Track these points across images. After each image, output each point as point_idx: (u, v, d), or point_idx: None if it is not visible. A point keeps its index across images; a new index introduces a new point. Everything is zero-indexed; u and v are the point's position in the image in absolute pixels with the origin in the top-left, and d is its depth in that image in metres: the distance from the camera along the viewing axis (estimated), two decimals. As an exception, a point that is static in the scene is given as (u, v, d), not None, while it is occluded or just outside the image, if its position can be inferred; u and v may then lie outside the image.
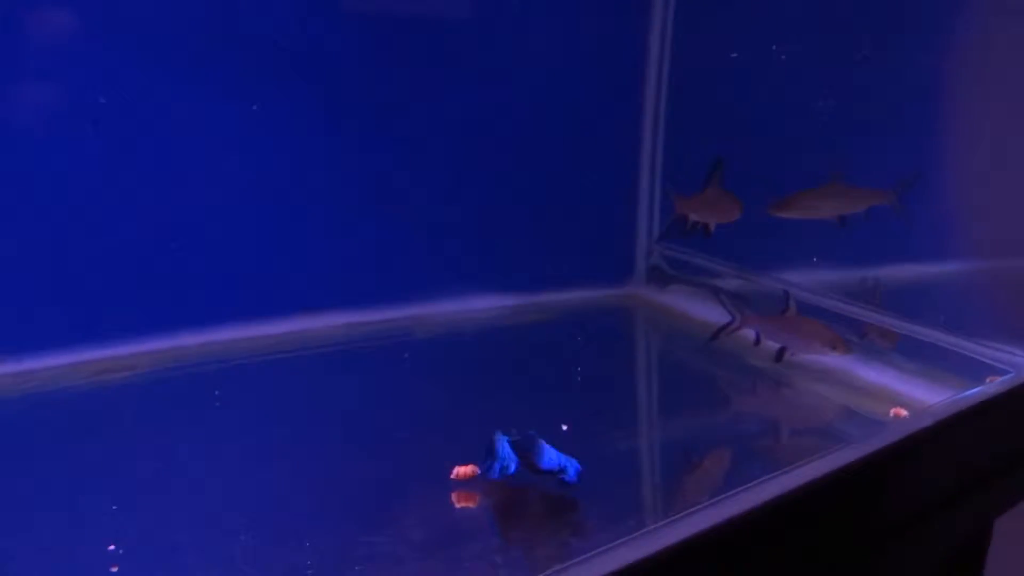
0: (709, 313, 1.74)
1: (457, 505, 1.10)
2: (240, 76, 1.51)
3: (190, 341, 1.54)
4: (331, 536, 1.04)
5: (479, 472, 1.11)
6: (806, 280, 1.65)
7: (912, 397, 1.42)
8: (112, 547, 1.00)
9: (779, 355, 1.48)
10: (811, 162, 1.67)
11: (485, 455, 1.11)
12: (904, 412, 1.33)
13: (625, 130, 1.90)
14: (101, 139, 1.42)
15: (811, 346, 1.46)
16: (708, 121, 1.81)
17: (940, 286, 1.64)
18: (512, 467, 1.10)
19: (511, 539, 1.07)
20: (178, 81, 1.46)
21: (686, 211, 1.60)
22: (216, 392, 1.42)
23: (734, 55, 1.75)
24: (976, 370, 1.44)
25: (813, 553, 1.15)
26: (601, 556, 0.92)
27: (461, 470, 1.13)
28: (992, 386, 1.36)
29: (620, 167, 1.91)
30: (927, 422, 1.21)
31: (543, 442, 1.10)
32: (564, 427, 1.24)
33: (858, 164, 1.58)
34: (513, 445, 1.11)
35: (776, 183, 1.68)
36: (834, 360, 1.47)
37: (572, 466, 1.11)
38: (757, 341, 1.51)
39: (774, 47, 1.68)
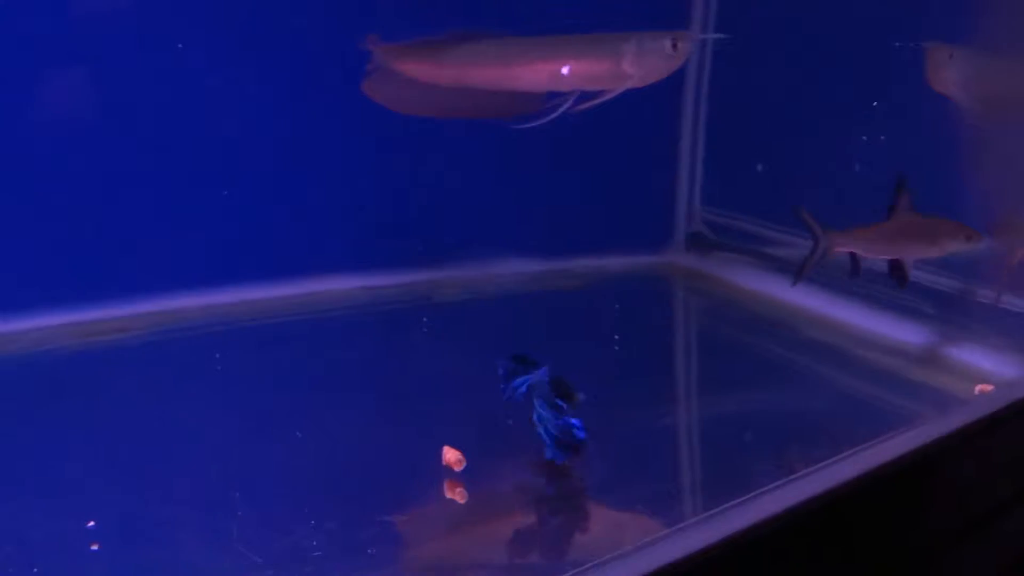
0: (756, 282, 1.61)
1: (474, 486, 0.97)
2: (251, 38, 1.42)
3: (192, 303, 1.44)
4: (339, 514, 0.92)
5: (465, 464, 0.99)
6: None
7: (998, 373, 1.27)
8: (92, 523, 0.89)
9: (894, 271, 1.23)
10: (855, 127, 1.53)
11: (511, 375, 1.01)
12: (990, 388, 1.19)
13: (666, 82, 1.76)
14: (97, 93, 1.33)
15: (935, 246, 1.24)
16: (755, 76, 1.66)
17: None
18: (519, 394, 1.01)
19: (543, 522, 0.96)
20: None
21: (851, 247, 1.26)
22: (217, 356, 1.31)
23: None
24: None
25: (876, 549, 1.02)
26: (665, 541, 0.80)
27: (449, 455, 1.00)
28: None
29: (660, 125, 1.77)
30: (1018, 395, 1.07)
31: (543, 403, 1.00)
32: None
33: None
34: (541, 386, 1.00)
35: (826, 149, 1.53)
36: (910, 334, 1.33)
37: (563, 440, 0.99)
38: (855, 268, 1.25)
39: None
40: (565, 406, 1.00)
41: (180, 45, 1.37)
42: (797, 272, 1.30)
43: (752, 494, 0.89)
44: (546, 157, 1.61)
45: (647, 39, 1.07)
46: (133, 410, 1.14)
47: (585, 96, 1.11)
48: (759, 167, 1.62)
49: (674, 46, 1.06)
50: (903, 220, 1.26)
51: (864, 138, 1.48)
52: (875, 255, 1.27)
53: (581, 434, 0.99)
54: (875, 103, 1.46)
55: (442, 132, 1.55)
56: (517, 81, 1.08)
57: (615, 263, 1.73)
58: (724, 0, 1.69)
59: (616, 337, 1.37)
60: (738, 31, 1.69)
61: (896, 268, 1.26)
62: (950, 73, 1.25)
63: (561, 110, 1.09)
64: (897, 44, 1.25)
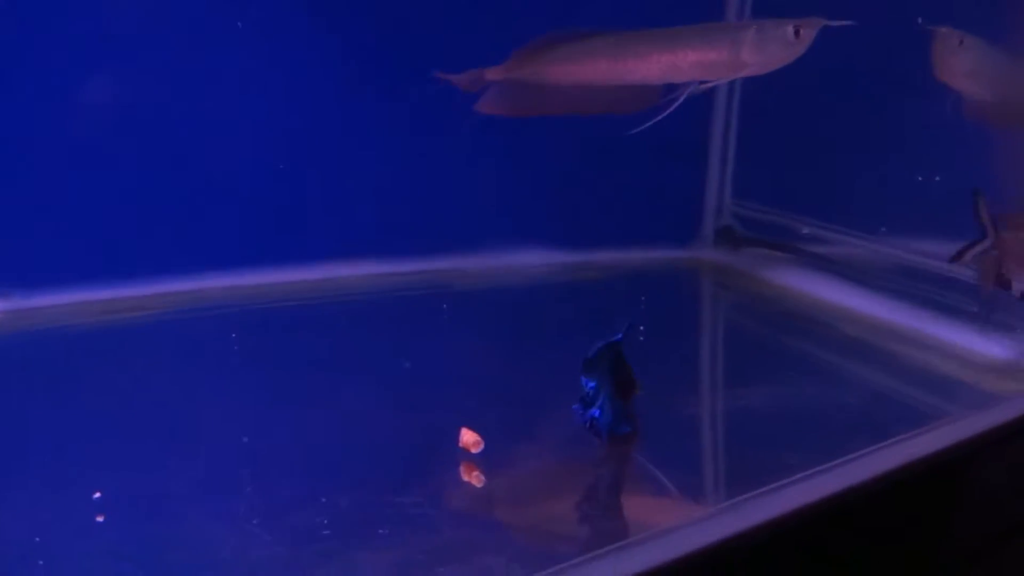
0: (787, 278, 1.56)
1: (491, 470, 0.94)
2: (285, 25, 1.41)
3: (212, 284, 1.43)
4: (351, 495, 0.89)
5: (483, 447, 0.97)
6: (930, 248, 1.42)
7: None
8: (98, 495, 0.87)
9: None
10: (888, 119, 1.48)
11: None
12: None
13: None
14: (120, 75, 1.32)
15: None
16: (788, 67, 1.62)
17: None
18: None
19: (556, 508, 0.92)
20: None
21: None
22: (233, 336, 1.29)
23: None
24: None
25: (907, 543, 0.98)
26: (680, 532, 0.77)
27: (466, 438, 0.97)
28: None
29: (690, 116, 1.72)
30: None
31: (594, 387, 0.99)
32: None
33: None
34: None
35: (859, 141, 1.49)
36: (948, 331, 1.27)
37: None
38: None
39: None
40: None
41: (240, 23, 1.36)
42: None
43: (780, 483, 0.86)
44: (573, 148, 1.58)
45: (768, 26, 1.04)
46: (147, 387, 1.13)
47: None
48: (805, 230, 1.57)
49: (796, 33, 1.02)
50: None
51: (926, 180, 1.40)
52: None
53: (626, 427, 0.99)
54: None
55: (468, 123, 1.52)
56: (632, 75, 1.06)
57: (642, 256, 1.69)
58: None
59: (641, 328, 1.33)
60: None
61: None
62: (958, 61, 1.19)
63: (678, 103, 1.06)
64: (919, 20, 1.20)
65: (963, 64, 1.16)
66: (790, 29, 1.03)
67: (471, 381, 1.18)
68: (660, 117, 1.08)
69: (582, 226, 1.64)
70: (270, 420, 1.06)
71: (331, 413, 1.08)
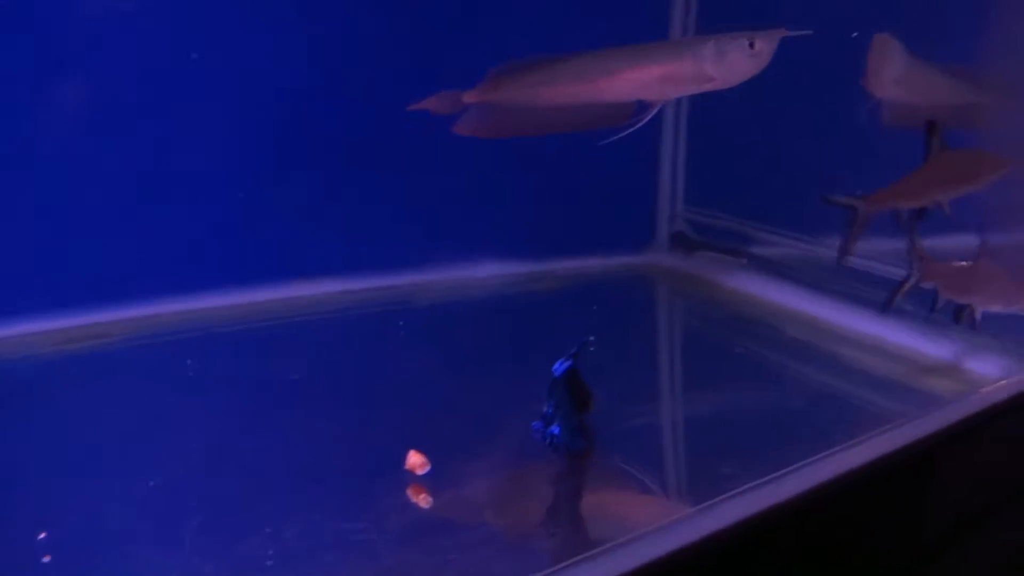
0: (738, 281, 1.58)
1: (439, 492, 0.95)
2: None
3: (169, 308, 1.43)
4: (298, 521, 0.90)
5: (429, 468, 0.98)
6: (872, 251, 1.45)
7: (981, 373, 1.23)
8: (43, 535, 0.87)
9: (960, 315, 1.22)
10: (837, 125, 1.50)
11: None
12: None
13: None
14: (78, 101, 1.32)
15: (976, 180, 1.19)
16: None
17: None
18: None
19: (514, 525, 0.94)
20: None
21: (891, 203, 1.23)
22: (188, 362, 1.28)
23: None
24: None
25: (862, 545, 1.00)
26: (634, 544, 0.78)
27: (413, 459, 0.98)
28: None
29: (640, 125, 1.74)
30: (999, 398, 1.04)
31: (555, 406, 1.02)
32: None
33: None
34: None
35: (807, 147, 1.51)
36: (892, 333, 1.30)
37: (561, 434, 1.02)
38: (934, 305, 1.23)
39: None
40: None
41: (195, 55, 1.37)
42: (842, 251, 1.26)
43: (734, 492, 0.87)
44: (526, 159, 1.59)
45: (725, 40, 1.04)
46: (101, 418, 1.13)
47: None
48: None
49: (751, 45, 1.03)
50: (938, 162, 1.21)
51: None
52: (916, 203, 1.23)
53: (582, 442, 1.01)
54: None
55: (421, 138, 1.53)
56: (603, 94, 1.07)
57: (597, 264, 1.71)
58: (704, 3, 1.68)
59: (594, 338, 1.34)
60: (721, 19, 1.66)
61: (964, 312, 1.24)
62: (891, 69, 1.20)
63: (648, 115, 1.07)
64: (854, 34, 1.21)
65: (895, 71, 1.18)
66: (745, 42, 1.04)
67: (425, 400, 1.18)
68: (625, 132, 1.09)
69: (538, 236, 1.64)
70: (219, 447, 1.06)
71: (282, 437, 1.08)
